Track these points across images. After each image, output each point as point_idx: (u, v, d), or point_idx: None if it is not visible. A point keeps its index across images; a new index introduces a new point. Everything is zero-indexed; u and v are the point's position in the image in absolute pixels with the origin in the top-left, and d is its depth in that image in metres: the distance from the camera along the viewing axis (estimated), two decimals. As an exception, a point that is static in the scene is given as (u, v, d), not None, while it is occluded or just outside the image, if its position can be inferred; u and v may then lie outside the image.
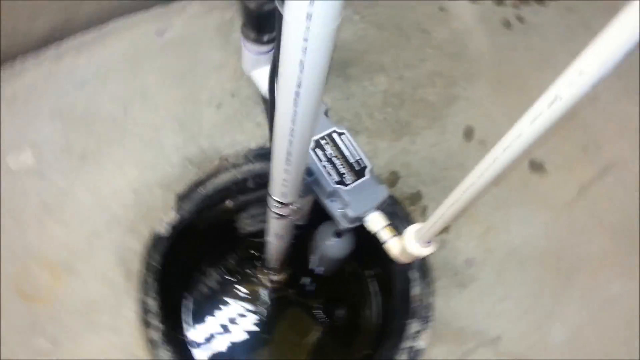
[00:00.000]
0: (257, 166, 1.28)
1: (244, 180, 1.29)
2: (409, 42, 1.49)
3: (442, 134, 1.37)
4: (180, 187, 1.20)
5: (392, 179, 1.28)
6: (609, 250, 1.31)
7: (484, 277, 1.21)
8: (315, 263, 1.47)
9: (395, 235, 1.00)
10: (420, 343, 1.14)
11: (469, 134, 1.39)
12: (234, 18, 1.36)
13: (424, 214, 1.25)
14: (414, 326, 1.17)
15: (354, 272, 1.62)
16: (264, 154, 1.27)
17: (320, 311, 1.63)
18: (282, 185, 0.87)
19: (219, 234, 1.49)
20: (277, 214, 1.01)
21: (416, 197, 1.28)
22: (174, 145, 1.22)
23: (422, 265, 1.23)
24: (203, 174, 1.22)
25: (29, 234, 1.07)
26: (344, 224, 1.02)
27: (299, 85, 0.60)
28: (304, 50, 0.54)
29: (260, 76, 1.06)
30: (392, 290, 1.39)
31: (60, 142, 1.13)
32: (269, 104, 0.74)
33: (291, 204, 0.95)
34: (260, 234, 1.47)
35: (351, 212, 0.98)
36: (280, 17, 0.54)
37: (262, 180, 1.32)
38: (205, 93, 1.28)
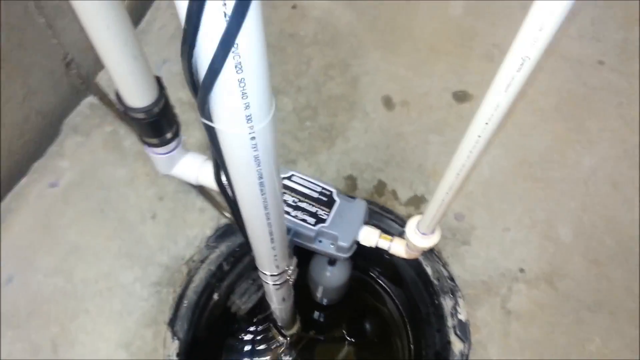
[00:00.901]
0: (223, 248, 1.24)
1: (219, 267, 1.24)
2: (285, 53, 1.48)
3: (367, 116, 1.38)
4: (165, 314, 1.13)
5: (351, 183, 1.28)
6: (563, 131, 1.38)
7: (479, 223, 1.24)
8: (321, 297, 1.45)
9: (393, 239, 1.00)
10: (462, 316, 1.15)
11: (388, 103, 1.41)
12: (115, 128, 1.30)
13: (397, 198, 1.26)
14: (446, 304, 1.18)
15: (360, 280, 1.61)
16: (223, 233, 1.23)
17: (348, 335, 1.61)
18: (273, 260, 0.85)
19: (223, 326, 1.43)
20: (276, 284, 0.97)
21: (381, 187, 1.28)
22: (135, 279, 1.15)
23: (422, 244, 1.24)
24: (179, 287, 1.16)
25: None
26: (343, 255, 1.00)
27: (260, 177, 0.57)
28: (255, 147, 0.52)
29: (182, 170, 1.02)
30: (403, 278, 1.40)
31: (25, 348, 1.04)
32: (228, 202, 0.71)
33: (287, 268, 0.93)
34: (260, 305, 1.44)
35: (344, 243, 0.97)
36: (211, 129, 0.51)
37: (234, 257, 1.28)
38: (133, 212, 1.22)
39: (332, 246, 1.00)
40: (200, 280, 1.21)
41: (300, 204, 0.99)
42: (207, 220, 1.23)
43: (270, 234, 0.73)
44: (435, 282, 1.21)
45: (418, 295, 1.35)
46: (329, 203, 1.00)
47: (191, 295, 1.20)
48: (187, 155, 1.02)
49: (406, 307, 1.52)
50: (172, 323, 1.14)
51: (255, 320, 1.53)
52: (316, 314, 1.67)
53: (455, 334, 1.14)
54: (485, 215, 1.25)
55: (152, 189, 1.25)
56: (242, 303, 1.39)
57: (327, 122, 1.38)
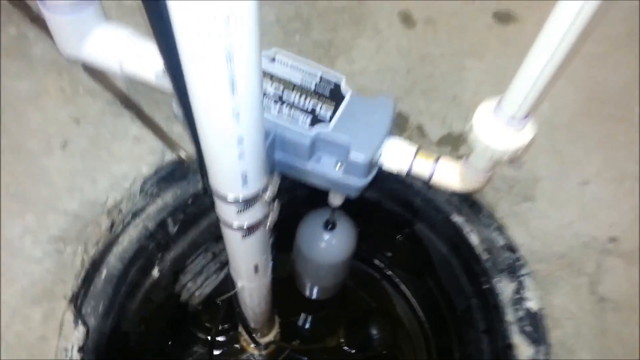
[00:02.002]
0: (167, 197, 0.85)
1: (161, 225, 0.85)
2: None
3: (379, 33, 1.03)
4: (68, 284, 0.73)
5: (358, 115, 0.90)
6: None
7: (544, 172, 0.88)
8: (311, 286, 1.06)
9: (439, 158, 0.61)
10: (530, 304, 0.76)
11: (407, 19, 1.05)
12: (23, 31, 0.93)
13: (424, 134, 0.89)
14: (503, 288, 0.79)
15: (359, 274, 1.21)
16: (169, 175, 0.84)
17: (346, 346, 1.20)
18: (237, 161, 0.46)
19: (166, 321, 1.03)
20: (243, 227, 0.58)
21: (402, 120, 0.91)
22: (25, 231, 0.76)
23: (460, 200, 0.86)
24: (93, 247, 0.76)
25: None
26: (355, 184, 0.62)
27: None
28: None
29: (98, 48, 0.63)
30: (429, 259, 1.01)
31: None
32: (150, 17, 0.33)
33: (262, 190, 0.54)
34: (219, 293, 1.03)
35: (359, 155, 0.59)
36: None
37: (185, 215, 0.88)
38: (35, 138, 0.84)
39: (337, 167, 0.62)
40: (131, 243, 0.82)
41: (288, 95, 0.61)
42: (144, 154, 0.84)
43: (233, 85, 0.35)
44: (484, 256, 0.83)
45: (451, 282, 0.96)
46: (334, 96, 0.62)
47: (114, 262, 0.80)
48: (106, 25, 0.63)
49: (428, 304, 1.13)
50: (77, 300, 0.74)
51: (214, 316, 1.11)
52: (301, 317, 1.27)
53: (523, 331, 0.75)
54: (552, 163, 0.88)
55: (66, 108, 0.86)
56: (195, 287, 0.98)
57: (323, 38, 1.01)
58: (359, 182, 0.61)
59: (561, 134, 0.92)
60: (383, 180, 0.95)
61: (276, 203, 0.63)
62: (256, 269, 0.74)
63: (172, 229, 0.88)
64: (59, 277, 0.74)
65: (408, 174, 0.62)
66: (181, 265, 0.95)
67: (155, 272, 0.90)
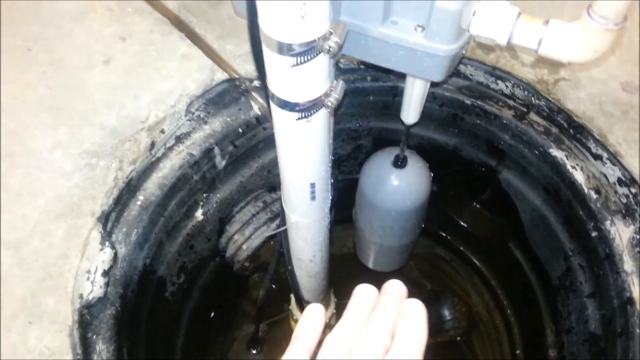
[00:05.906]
0: (215, 123, 0.75)
1: (207, 153, 0.75)
2: None
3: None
4: (97, 201, 0.64)
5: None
6: None
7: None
8: (373, 249, 0.92)
9: (548, 21, 0.48)
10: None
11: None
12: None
13: (515, 57, 0.75)
14: (620, 231, 0.64)
15: (425, 249, 1.06)
16: (219, 96, 0.74)
17: None
18: None
19: (209, 284, 0.91)
20: (299, 104, 0.47)
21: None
22: (55, 144, 0.70)
23: (560, 130, 0.71)
24: (129, 165, 0.67)
25: None
26: (442, 52, 0.49)
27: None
28: None
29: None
30: (519, 221, 0.85)
31: None
32: None
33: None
34: (265, 253, 0.90)
35: (448, 3, 0.46)
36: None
37: (235, 147, 0.78)
38: (77, 54, 0.78)
39: (418, 31, 0.49)
40: (172, 170, 0.72)
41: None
42: (192, 71, 0.75)
43: None
44: (593, 196, 0.67)
45: (544, 243, 0.81)
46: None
47: (153, 189, 0.70)
48: None
49: (511, 281, 0.96)
50: (106, 220, 0.64)
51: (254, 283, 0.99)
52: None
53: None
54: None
55: (112, 26, 0.79)
56: (243, 239, 0.87)
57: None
58: (445, 48, 0.48)
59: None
60: (463, 117, 0.81)
61: (341, 83, 0.51)
62: (313, 191, 0.62)
63: (220, 161, 0.78)
64: (88, 193, 0.65)
65: (508, 42, 0.49)
66: (228, 212, 0.84)
67: (199, 214, 0.79)
